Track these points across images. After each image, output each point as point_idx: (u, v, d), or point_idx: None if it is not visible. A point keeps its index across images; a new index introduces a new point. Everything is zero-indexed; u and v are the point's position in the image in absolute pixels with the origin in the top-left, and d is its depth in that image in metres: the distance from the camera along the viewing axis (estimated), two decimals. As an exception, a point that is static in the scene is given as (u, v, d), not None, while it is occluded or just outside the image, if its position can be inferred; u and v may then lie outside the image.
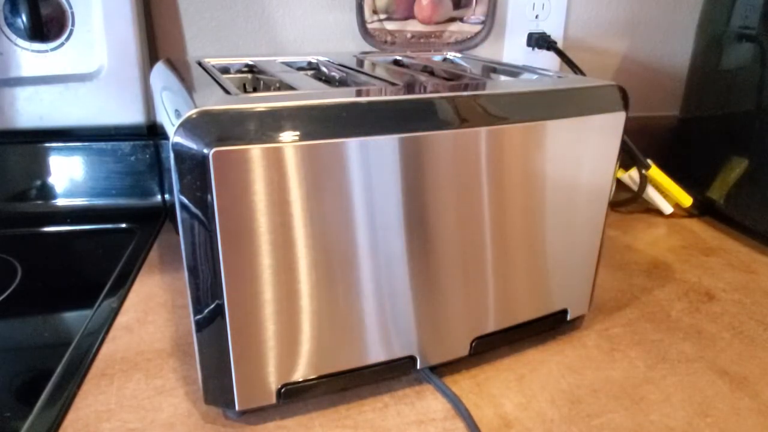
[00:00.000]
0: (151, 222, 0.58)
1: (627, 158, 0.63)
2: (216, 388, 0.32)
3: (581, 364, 0.39)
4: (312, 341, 0.32)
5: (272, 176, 0.28)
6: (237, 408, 0.32)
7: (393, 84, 0.36)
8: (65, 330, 0.42)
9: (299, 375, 0.33)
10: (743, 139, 0.58)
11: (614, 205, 0.66)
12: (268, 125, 0.27)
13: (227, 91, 0.32)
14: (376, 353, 0.34)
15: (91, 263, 0.52)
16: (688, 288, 0.49)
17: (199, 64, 0.43)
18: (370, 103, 0.30)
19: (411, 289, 0.34)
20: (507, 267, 0.36)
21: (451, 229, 0.33)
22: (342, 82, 0.41)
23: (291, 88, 0.36)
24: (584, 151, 0.36)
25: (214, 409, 0.34)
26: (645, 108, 0.78)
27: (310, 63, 0.48)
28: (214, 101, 0.29)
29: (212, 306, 0.30)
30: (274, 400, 0.32)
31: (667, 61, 0.76)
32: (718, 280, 0.51)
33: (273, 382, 0.32)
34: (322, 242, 0.30)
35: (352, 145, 0.29)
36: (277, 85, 0.40)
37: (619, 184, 0.66)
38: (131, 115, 0.59)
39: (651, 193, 0.64)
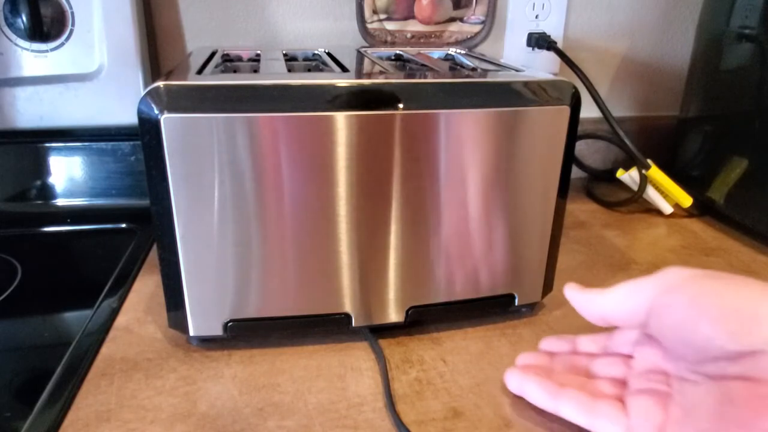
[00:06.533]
0: (151, 222, 0.58)
1: (627, 158, 0.63)
2: (175, 316, 0.38)
3: (581, 364, 0.39)
4: (257, 287, 0.37)
5: (213, 140, 0.33)
6: (191, 334, 0.38)
7: (346, 70, 0.41)
8: (65, 330, 0.42)
9: (245, 314, 0.38)
10: (743, 139, 0.58)
11: (614, 205, 0.66)
12: (209, 99, 0.33)
13: (200, 72, 0.38)
14: (315, 305, 0.39)
15: (91, 263, 0.52)
16: (688, 288, 0.49)
17: (213, 53, 0.48)
18: (278, 85, 0.35)
19: (350, 252, 0.38)
20: (446, 244, 0.39)
21: (393, 201, 0.37)
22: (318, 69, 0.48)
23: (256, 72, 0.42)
24: (527, 141, 0.38)
25: (215, 412, 0.34)
26: (645, 108, 0.78)
27: (314, 54, 0.52)
28: (178, 78, 0.35)
29: (169, 247, 0.36)
30: (221, 332, 0.38)
31: (667, 61, 0.76)
32: (718, 280, 0.51)
33: (221, 317, 0.38)
34: (265, 201, 0.35)
35: (274, 119, 0.34)
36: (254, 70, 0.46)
37: (619, 184, 0.66)
38: (131, 115, 0.58)
39: (651, 193, 0.64)
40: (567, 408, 0.31)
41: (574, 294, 0.33)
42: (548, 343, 0.38)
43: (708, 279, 0.27)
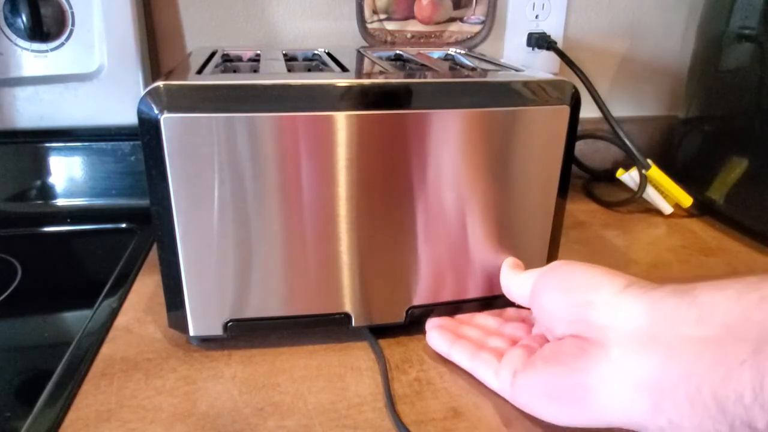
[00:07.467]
0: (151, 222, 0.58)
1: (627, 158, 0.63)
2: (175, 316, 0.38)
3: (581, 364, 0.39)
4: (257, 286, 0.37)
5: (213, 140, 0.33)
6: (191, 334, 0.38)
7: (346, 70, 0.41)
8: (65, 330, 0.42)
9: (245, 314, 0.38)
10: (743, 139, 0.58)
11: (614, 205, 0.66)
12: (209, 99, 0.34)
13: (200, 72, 0.38)
14: (315, 305, 0.39)
15: (91, 263, 0.52)
16: (688, 288, 0.49)
17: (213, 53, 0.48)
18: (278, 85, 0.35)
19: (350, 252, 0.38)
20: (446, 244, 0.39)
21: (393, 201, 0.37)
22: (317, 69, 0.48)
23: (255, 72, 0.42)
24: (527, 141, 0.38)
25: (215, 412, 0.34)
26: (645, 108, 0.78)
27: (314, 54, 0.52)
28: (178, 78, 0.35)
29: (169, 247, 0.36)
30: (221, 332, 0.38)
31: (667, 61, 0.76)
32: (718, 280, 0.51)
33: (221, 317, 0.38)
34: (265, 200, 0.35)
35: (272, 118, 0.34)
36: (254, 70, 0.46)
37: (619, 184, 0.66)
38: (131, 115, 0.58)
39: (651, 193, 0.64)
40: (456, 354, 0.38)
41: (503, 267, 0.40)
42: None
43: (573, 265, 0.33)
